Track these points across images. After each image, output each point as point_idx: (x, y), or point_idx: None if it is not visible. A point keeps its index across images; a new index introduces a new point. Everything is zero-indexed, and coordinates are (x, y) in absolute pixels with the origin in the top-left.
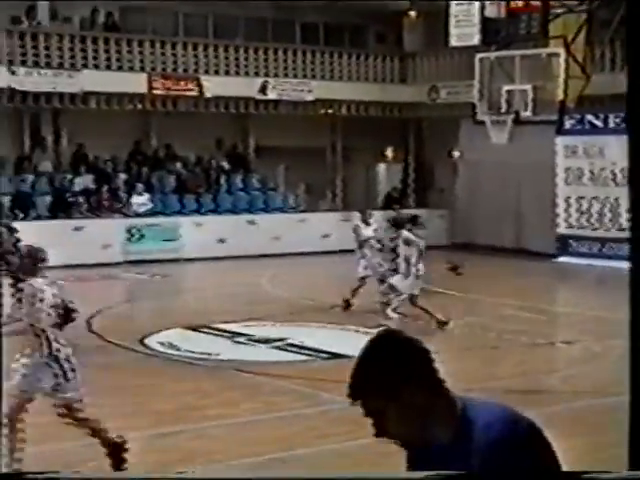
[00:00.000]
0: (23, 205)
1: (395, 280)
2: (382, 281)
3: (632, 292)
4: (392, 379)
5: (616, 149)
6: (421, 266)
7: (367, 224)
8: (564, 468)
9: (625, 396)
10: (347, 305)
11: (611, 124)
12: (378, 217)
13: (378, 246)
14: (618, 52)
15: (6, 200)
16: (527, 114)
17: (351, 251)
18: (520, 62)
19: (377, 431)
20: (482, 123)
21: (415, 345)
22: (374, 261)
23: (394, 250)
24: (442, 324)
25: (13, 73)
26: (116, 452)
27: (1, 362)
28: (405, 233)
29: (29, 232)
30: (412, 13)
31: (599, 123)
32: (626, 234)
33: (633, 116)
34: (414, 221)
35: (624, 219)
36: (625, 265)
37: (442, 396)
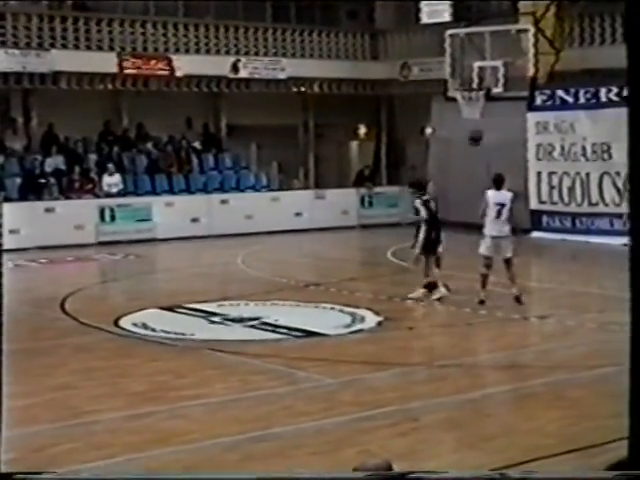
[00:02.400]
0: None
1: None
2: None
3: (632, 270)
4: None
5: (586, 124)
6: None
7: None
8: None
9: (601, 369)
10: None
11: (581, 99)
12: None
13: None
14: (587, 27)
15: None
16: (498, 90)
17: (325, 229)
18: (490, 38)
19: None
20: (454, 100)
21: None
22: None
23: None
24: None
25: None
26: None
27: (1, 358)
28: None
29: None
30: None
31: (569, 98)
32: (596, 209)
33: (633, 99)
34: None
35: (594, 194)
36: (596, 239)
37: None
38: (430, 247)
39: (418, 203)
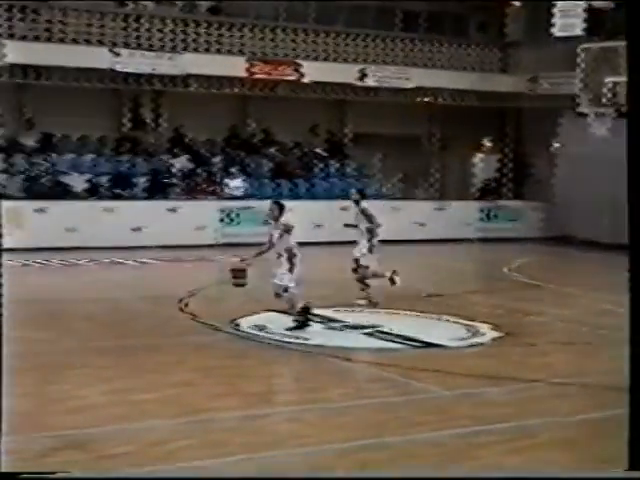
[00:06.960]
0: (121, 185)
1: None
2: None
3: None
4: None
5: None
6: None
7: None
8: None
9: None
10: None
11: None
12: None
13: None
14: None
15: (105, 180)
16: None
17: (444, 241)
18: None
19: None
20: (583, 115)
21: None
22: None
23: None
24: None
25: (117, 55)
26: None
27: (1, 361)
28: None
29: (126, 211)
30: (515, 2)
31: None
32: None
33: (632, 135)
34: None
35: None
36: None
37: None
38: None
39: None
